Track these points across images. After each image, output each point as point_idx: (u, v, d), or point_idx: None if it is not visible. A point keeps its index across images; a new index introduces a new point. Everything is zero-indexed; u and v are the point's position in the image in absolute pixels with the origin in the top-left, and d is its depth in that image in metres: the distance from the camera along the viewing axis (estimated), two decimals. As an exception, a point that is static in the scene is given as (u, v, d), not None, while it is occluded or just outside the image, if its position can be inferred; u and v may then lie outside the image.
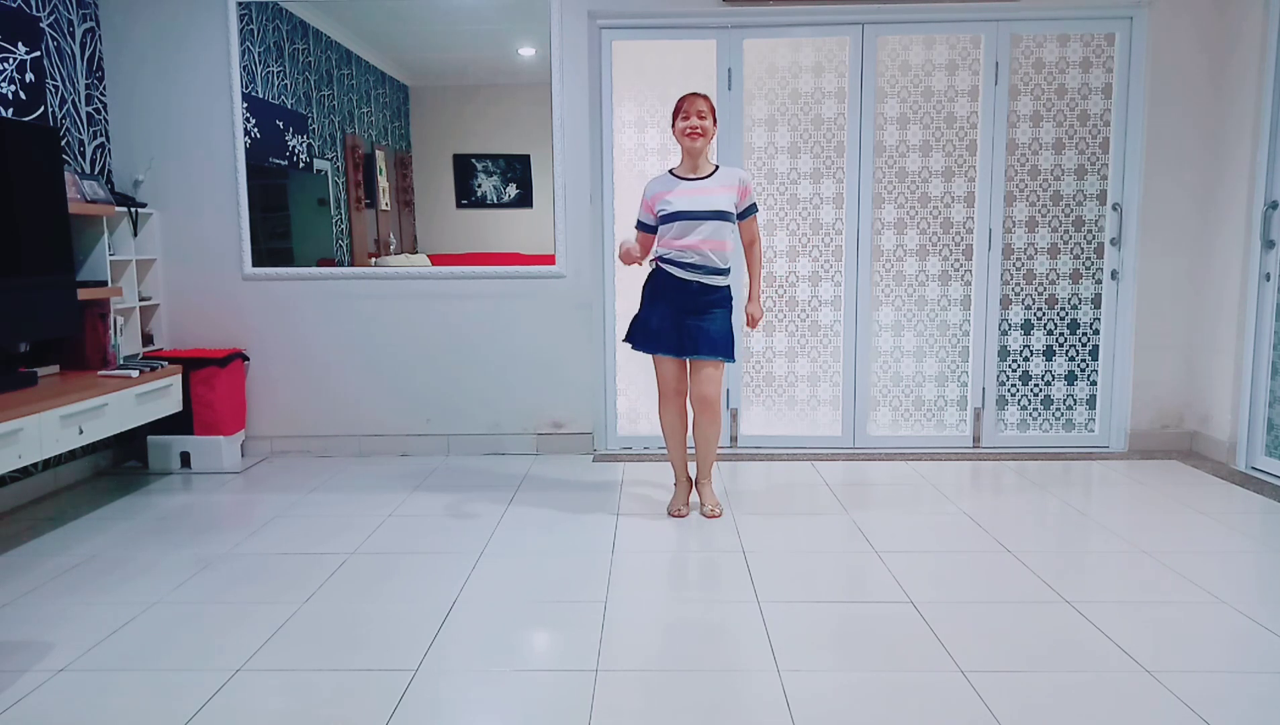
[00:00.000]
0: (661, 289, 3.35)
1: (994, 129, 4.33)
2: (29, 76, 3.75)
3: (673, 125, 3.34)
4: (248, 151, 4.34)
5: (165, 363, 3.89)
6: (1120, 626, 2.46)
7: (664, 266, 3.33)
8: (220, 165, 4.35)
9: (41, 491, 3.85)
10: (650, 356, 3.43)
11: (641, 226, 3.44)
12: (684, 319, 3.32)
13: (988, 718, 2.00)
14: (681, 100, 3.33)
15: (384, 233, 4.60)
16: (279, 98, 4.37)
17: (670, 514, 3.46)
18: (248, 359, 4.45)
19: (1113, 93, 4.33)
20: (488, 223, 4.54)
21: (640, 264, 3.43)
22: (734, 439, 4.53)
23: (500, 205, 4.53)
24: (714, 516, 3.44)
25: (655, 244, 3.37)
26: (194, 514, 3.57)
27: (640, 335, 3.39)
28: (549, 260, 4.42)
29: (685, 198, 3.29)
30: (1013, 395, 4.52)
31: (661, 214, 3.31)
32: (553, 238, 4.39)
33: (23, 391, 3.25)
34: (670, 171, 3.41)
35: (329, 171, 4.47)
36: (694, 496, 3.59)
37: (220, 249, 4.40)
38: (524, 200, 4.50)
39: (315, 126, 4.43)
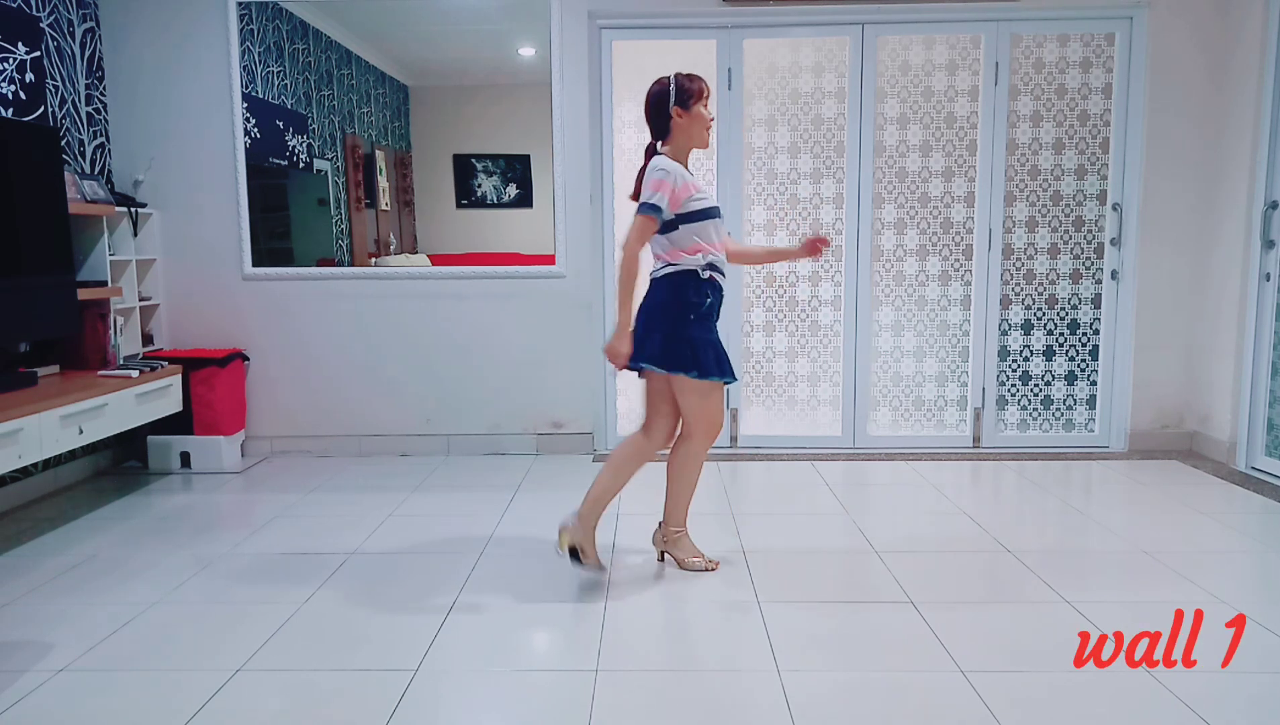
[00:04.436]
0: (716, 303, 2.77)
1: (994, 129, 4.33)
2: (29, 76, 3.75)
3: (686, 105, 2.71)
4: (248, 151, 4.34)
5: (165, 363, 3.89)
6: (1120, 626, 2.46)
7: (716, 276, 2.75)
8: (220, 165, 4.35)
9: (41, 491, 3.85)
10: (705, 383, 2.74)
11: (657, 215, 2.65)
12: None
13: (988, 718, 2.00)
14: (701, 82, 2.76)
15: (384, 233, 4.60)
16: (279, 98, 4.37)
17: (708, 569, 2.92)
18: (248, 359, 4.44)
19: (1113, 93, 4.33)
20: (488, 223, 4.54)
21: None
22: (734, 439, 4.53)
23: (500, 205, 4.53)
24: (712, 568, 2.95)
25: (689, 248, 2.69)
26: (194, 514, 3.57)
27: (724, 361, 2.75)
28: (549, 260, 4.41)
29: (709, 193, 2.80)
30: (1013, 395, 4.52)
31: (697, 209, 2.69)
32: (553, 238, 4.39)
33: (23, 391, 3.25)
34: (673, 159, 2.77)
35: (329, 171, 4.47)
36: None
37: (220, 249, 4.40)
38: (524, 200, 4.50)
39: (315, 126, 4.43)
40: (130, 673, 2.25)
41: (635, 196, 2.75)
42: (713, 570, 2.91)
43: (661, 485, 2.95)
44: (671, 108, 2.71)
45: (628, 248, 2.66)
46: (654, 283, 2.76)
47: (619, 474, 2.79)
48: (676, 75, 2.75)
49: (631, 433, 2.86)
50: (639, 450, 2.81)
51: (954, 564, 2.96)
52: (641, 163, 2.79)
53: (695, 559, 2.93)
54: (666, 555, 2.99)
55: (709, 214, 2.72)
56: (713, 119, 2.81)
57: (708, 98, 2.77)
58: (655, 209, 2.64)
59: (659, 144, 2.78)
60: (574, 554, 2.76)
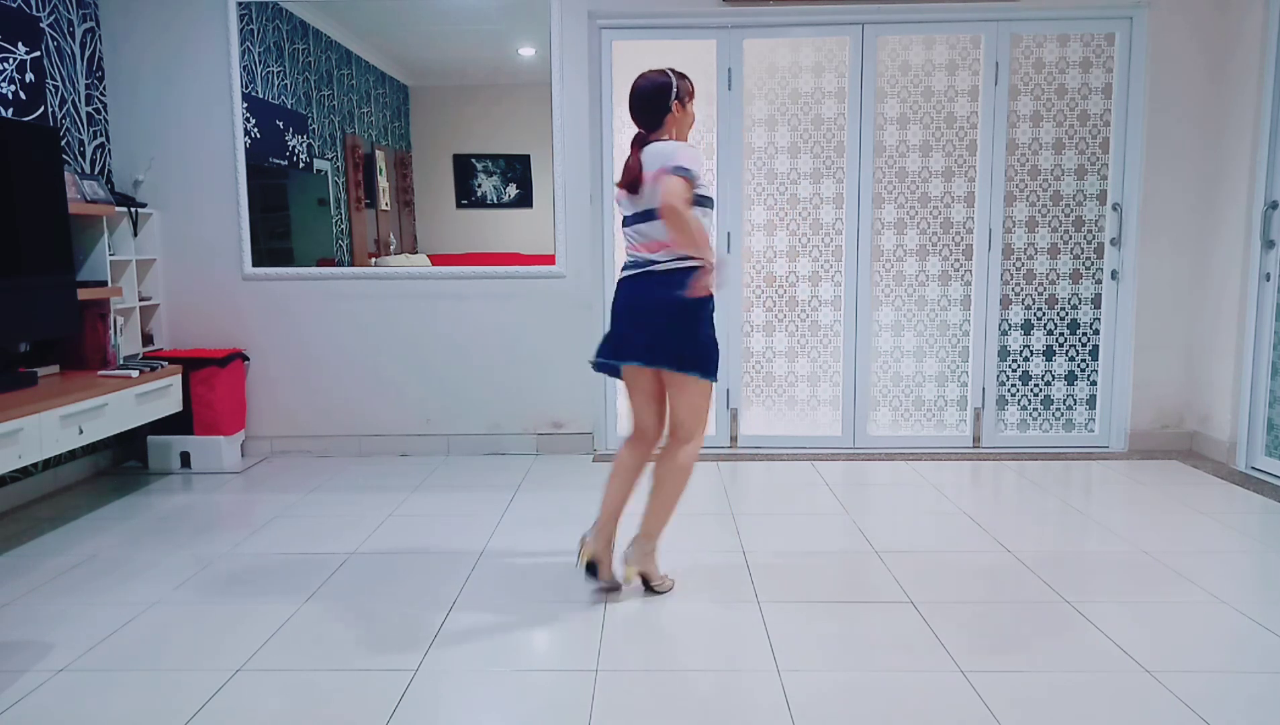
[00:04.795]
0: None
1: (994, 129, 4.33)
2: (29, 76, 3.75)
3: (684, 103, 2.68)
4: (248, 151, 4.34)
5: (165, 363, 3.89)
6: (1120, 626, 2.46)
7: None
8: (220, 165, 4.35)
9: (41, 491, 3.85)
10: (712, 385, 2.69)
11: (694, 181, 2.53)
12: None
13: (988, 718, 2.00)
14: (692, 81, 2.73)
15: (384, 233, 4.60)
16: (279, 98, 4.37)
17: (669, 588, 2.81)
18: (248, 359, 4.44)
19: (1113, 93, 4.33)
20: (488, 223, 4.54)
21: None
22: (734, 439, 4.53)
23: (500, 205, 4.52)
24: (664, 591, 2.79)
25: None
26: (194, 514, 3.57)
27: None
28: (549, 260, 4.41)
29: None
30: (1013, 395, 4.52)
31: (706, 195, 2.63)
32: (553, 238, 4.39)
33: (23, 391, 3.25)
34: None
35: (329, 171, 4.47)
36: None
37: (220, 249, 4.40)
38: (524, 200, 4.50)
39: (315, 126, 4.43)
40: (130, 673, 2.25)
41: (623, 184, 2.63)
42: (669, 589, 2.77)
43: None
44: (672, 101, 2.64)
45: (680, 203, 2.42)
46: (664, 276, 2.57)
47: (681, 491, 2.68)
48: (673, 70, 2.68)
49: (669, 446, 2.69)
50: (691, 457, 2.67)
51: (954, 564, 2.96)
52: (630, 154, 2.65)
53: (666, 579, 2.77)
54: (633, 579, 2.74)
55: (711, 204, 2.65)
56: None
57: (694, 95, 2.74)
58: (692, 173, 2.48)
59: (648, 135, 2.67)
60: (646, 582, 2.72)
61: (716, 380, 2.65)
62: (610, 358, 2.69)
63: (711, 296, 2.62)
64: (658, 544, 2.75)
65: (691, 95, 2.71)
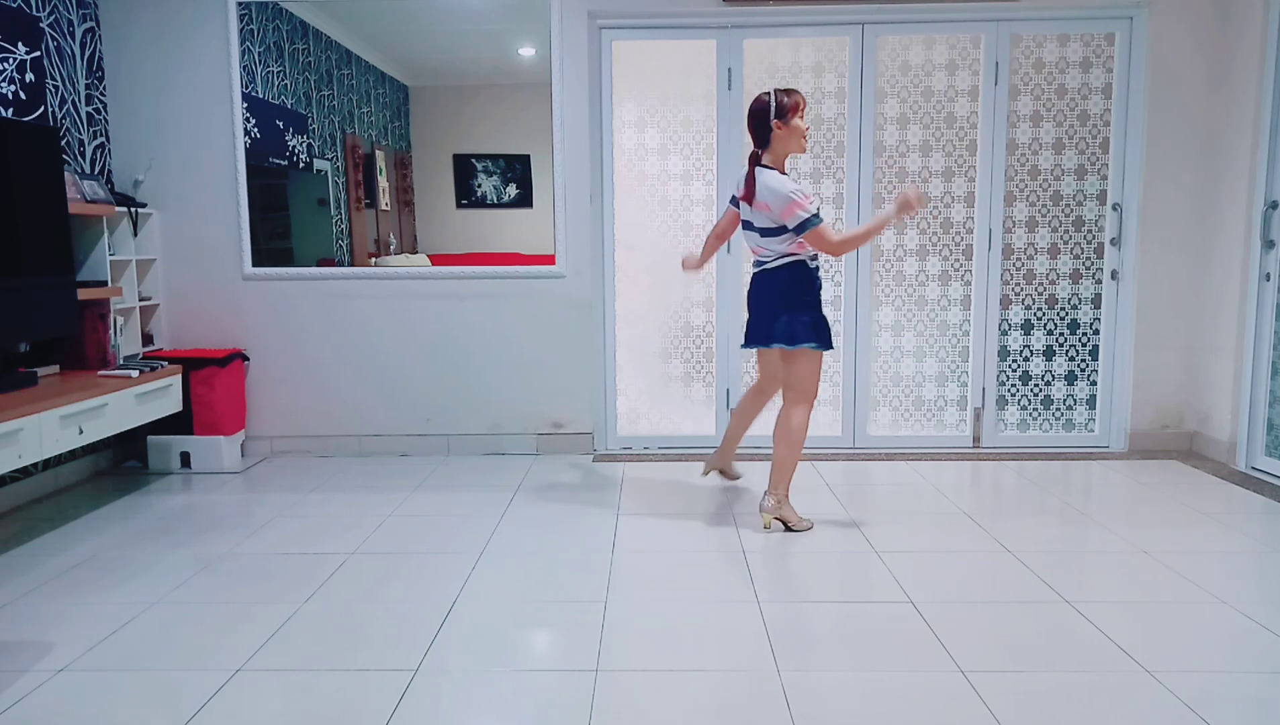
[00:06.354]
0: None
1: (994, 129, 4.33)
2: (29, 76, 3.75)
3: (785, 119, 3.04)
4: (248, 151, 4.34)
5: (165, 363, 3.89)
6: (1120, 626, 2.46)
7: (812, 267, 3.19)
8: (220, 165, 4.35)
9: (41, 491, 3.85)
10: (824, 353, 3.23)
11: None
12: None
13: (988, 717, 2.00)
14: (798, 96, 3.09)
15: (384, 233, 4.60)
16: (279, 98, 4.37)
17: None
18: (248, 359, 4.45)
19: (1112, 93, 4.33)
20: (488, 223, 4.54)
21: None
22: (734, 439, 4.53)
23: (500, 205, 4.53)
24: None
25: (798, 246, 3.11)
26: (194, 514, 3.57)
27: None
28: (549, 260, 4.41)
29: None
30: (1013, 395, 4.52)
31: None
32: (553, 238, 4.39)
33: (23, 391, 3.25)
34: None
35: (329, 171, 4.47)
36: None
37: (220, 249, 4.40)
38: (524, 200, 4.50)
39: (315, 126, 4.43)
40: (130, 673, 2.25)
41: (746, 197, 3.09)
42: (809, 528, 3.31)
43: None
44: (772, 121, 3.02)
45: (836, 245, 3.04)
46: (772, 272, 3.12)
47: (799, 446, 3.21)
48: (776, 91, 3.05)
49: (788, 406, 3.21)
50: (807, 416, 3.22)
51: (954, 564, 2.96)
52: (746, 169, 3.12)
53: (804, 521, 3.31)
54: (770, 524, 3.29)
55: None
56: (808, 128, 3.16)
57: (804, 110, 3.10)
58: (812, 217, 3.00)
59: (761, 152, 3.10)
60: (785, 525, 3.25)
61: (808, 345, 3.12)
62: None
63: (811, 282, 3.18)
64: (787, 493, 3.28)
65: (794, 111, 3.06)
